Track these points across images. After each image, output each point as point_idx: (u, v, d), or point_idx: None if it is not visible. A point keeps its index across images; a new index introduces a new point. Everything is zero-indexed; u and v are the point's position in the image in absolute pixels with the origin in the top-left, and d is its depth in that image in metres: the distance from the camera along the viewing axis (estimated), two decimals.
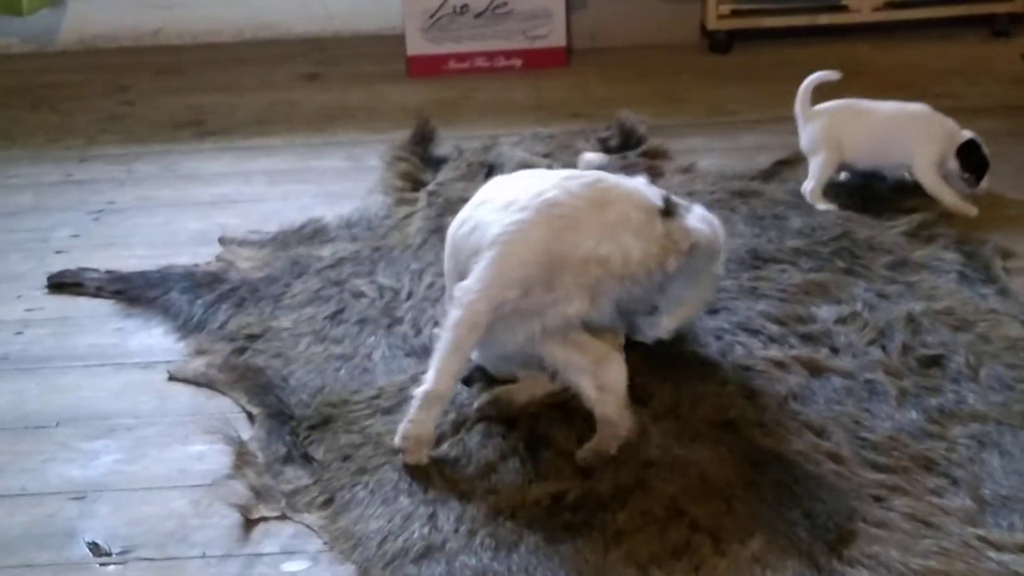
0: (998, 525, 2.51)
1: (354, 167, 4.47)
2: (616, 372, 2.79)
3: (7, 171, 4.58)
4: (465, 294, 2.75)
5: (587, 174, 2.88)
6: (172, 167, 4.57)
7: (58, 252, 3.91)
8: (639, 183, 2.87)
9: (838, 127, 3.94)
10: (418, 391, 2.77)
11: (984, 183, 3.88)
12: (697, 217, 2.83)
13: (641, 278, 2.78)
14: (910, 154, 3.90)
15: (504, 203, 2.82)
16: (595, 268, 2.72)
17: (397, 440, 2.77)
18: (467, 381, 2.98)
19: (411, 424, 2.76)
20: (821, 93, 3.99)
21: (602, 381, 2.77)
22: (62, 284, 3.70)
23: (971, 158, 3.86)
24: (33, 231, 4.08)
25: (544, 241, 2.73)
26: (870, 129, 3.95)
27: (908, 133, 3.91)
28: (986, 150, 3.86)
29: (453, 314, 2.76)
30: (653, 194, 2.83)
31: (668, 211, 2.78)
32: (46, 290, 3.69)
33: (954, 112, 3.95)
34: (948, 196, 3.88)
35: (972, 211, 3.86)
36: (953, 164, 3.86)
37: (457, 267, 2.89)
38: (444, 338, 2.77)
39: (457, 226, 2.95)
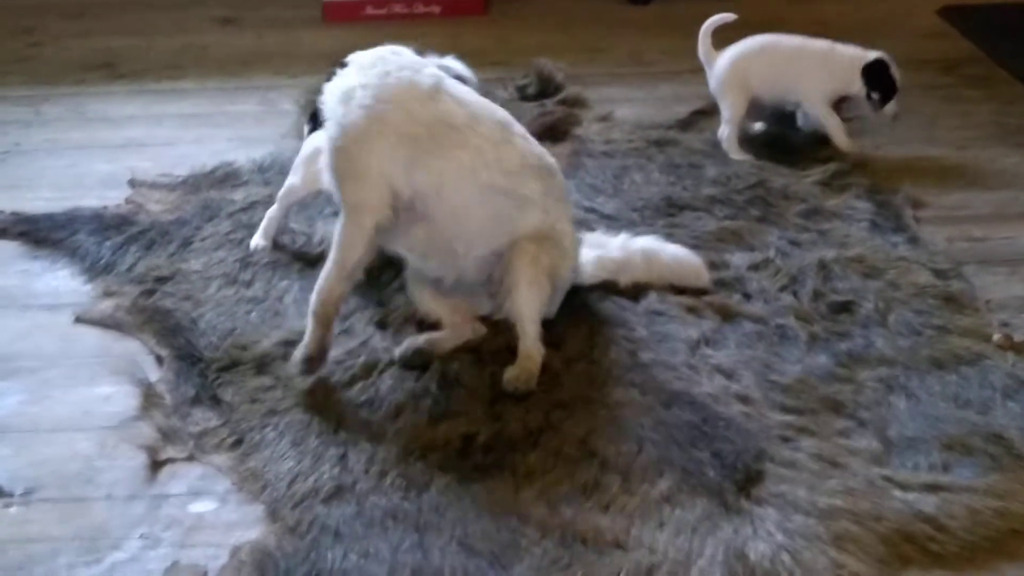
0: (903, 465, 2.55)
1: (268, 111, 4.41)
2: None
3: None
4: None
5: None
6: (81, 109, 4.48)
7: None
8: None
9: (744, 63, 3.96)
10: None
11: (891, 107, 3.92)
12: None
13: None
14: (803, 88, 3.96)
15: None
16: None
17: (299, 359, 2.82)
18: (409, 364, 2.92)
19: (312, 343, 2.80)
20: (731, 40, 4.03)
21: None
22: None
23: (877, 78, 3.89)
24: None
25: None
26: (774, 61, 3.98)
27: (802, 67, 3.96)
28: (896, 72, 3.89)
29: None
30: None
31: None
32: None
33: None
34: (834, 128, 3.96)
35: (852, 147, 3.94)
36: (857, 87, 3.90)
37: None
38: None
39: None
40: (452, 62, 3.18)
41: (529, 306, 2.83)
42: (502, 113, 2.94)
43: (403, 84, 2.80)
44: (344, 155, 2.77)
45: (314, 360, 2.82)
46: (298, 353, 2.83)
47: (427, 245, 2.89)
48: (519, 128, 2.94)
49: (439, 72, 2.90)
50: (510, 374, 2.79)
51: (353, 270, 2.81)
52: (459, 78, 3.03)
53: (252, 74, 4.78)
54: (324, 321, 2.81)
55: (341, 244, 2.79)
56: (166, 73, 4.80)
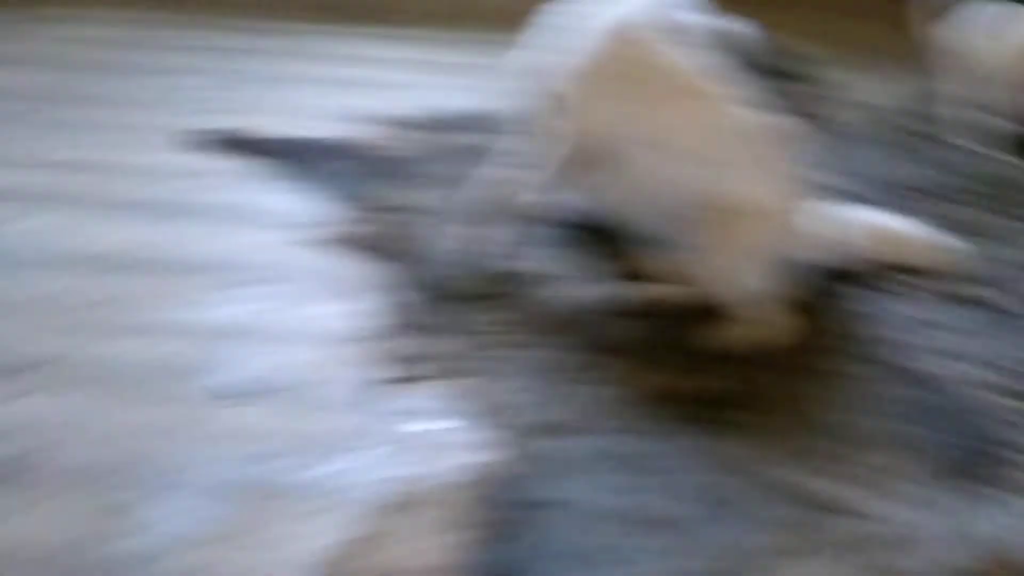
0: None
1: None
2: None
3: (171, 36, 4.70)
4: None
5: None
6: (310, 46, 4.61)
7: (202, 112, 3.96)
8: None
9: (965, 40, 3.85)
10: None
11: None
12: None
13: None
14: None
15: None
16: None
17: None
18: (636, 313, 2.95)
19: None
20: None
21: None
22: (221, 142, 3.73)
23: None
24: (183, 90, 4.17)
25: None
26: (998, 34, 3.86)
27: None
28: None
29: None
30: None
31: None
32: (209, 146, 3.73)
33: None
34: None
35: None
36: None
37: None
38: None
39: None
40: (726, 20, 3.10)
41: (726, 279, 2.82)
42: (715, 73, 2.89)
43: (613, 23, 2.85)
44: (548, 82, 2.90)
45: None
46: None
47: (613, 191, 2.95)
48: (731, 92, 2.89)
49: (660, 19, 2.89)
50: (718, 333, 2.78)
51: (531, 186, 2.97)
52: (718, 32, 2.98)
53: (488, 27, 4.83)
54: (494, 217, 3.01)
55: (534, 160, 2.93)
56: (403, 18, 4.90)
